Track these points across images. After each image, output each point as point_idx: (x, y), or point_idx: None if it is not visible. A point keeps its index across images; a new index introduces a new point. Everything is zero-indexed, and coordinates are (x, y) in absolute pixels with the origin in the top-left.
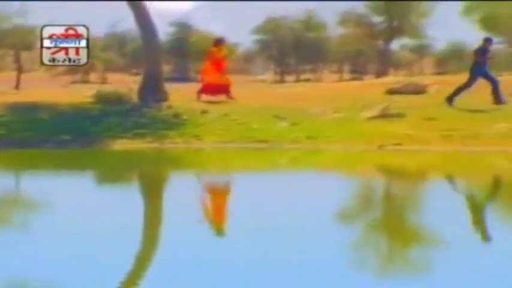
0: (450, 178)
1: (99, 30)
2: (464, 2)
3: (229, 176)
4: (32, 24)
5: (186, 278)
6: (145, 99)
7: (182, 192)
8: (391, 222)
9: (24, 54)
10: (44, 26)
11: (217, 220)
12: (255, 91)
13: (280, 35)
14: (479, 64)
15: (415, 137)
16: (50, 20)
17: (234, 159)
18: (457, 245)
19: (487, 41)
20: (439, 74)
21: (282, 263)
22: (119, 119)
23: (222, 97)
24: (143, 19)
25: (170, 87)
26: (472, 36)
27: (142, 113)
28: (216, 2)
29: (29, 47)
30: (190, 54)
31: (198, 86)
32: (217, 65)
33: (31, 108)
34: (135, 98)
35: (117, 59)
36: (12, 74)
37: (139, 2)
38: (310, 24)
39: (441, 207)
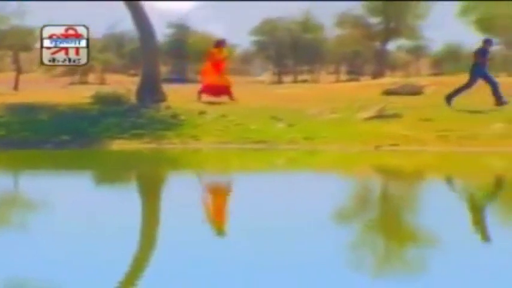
0: (446, 178)
1: (97, 32)
2: (460, 3)
3: (227, 176)
4: (31, 25)
5: (184, 279)
6: (144, 100)
7: (180, 193)
8: (389, 222)
9: (23, 55)
10: (44, 26)
11: (214, 220)
12: (253, 92)
13: (277, 36)
14: (479, 65)
15: (411, 137)
16: (47, 21)
17: (232, 160)
18: (453, 245)
19: (487, 42)
20: (435, 75)
21: (279, 264)
22: (117, 120)
23: (223, 98)
24: (141, 20)
25: (168, 88)
26: (468, 37)
27: (140, 114)
28: (217, 2)
29: (27, 48)
30: (188, 55)
31: (196, 87)
32: (218, 66)
33: (30, 109)
34: (133, 98)
35: (115, 60)
36: (11, 75)
37: (136, 2)
38: (307, 25)
39: (437, 207)
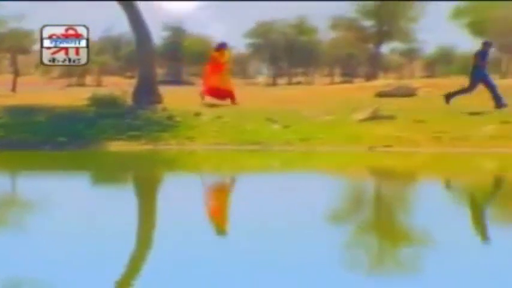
0: (440, 179)
1: (94, 34)
2: (453, 6)
3: (223, 177)
4: (28, 28)
5: (182, 279)
6: (140, 101)
7: (176, 193)
8: (383, 222)
9: (21, 58)
10: (44, 25)
11: (210, 221)
12: (248, 94)
13: (272, 39)
14: (479, 68)
15: (405, 138)
16: (45, 22)
17: (227, 161)
18: (446, 245)
19: (487, 44)
20: (428, 77)
21: (276, 264)
22: (113, 121)
23: (227, 102)
24: (137, 22)
25: (164, 90)
26: (460, 40)
27: (136, 115)
28: (219, 2)
29: (25, 51)
30: (184, 57)
31: (191, 89)
32: (219, 69)
33: (28, 111)
34: (129, 100)
35: (112, 62)
36: (9, 77)
37: (132, 5)
38: (302, 28)
39: (431, 207)
